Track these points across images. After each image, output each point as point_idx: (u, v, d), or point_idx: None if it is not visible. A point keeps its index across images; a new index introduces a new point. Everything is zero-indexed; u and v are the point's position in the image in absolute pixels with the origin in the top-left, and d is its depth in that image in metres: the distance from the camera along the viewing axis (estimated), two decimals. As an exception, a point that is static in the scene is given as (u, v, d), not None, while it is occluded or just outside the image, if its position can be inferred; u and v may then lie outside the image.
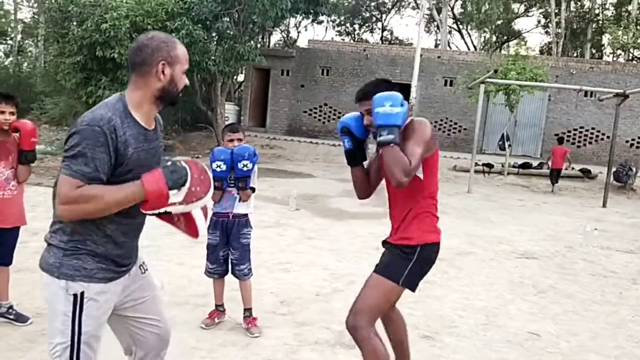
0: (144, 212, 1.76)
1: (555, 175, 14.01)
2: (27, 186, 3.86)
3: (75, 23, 12.26)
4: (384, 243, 2.71)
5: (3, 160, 3.45)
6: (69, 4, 12.88)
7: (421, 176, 2.52)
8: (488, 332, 4.03)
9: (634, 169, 15.03)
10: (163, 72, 1.81)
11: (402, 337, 2.88)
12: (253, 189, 3.64)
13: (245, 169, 3.47)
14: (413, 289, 2.58)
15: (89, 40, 11.86)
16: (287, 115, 21.67)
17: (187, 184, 1.73)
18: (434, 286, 5.11)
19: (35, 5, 20.32)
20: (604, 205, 12.06)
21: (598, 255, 6.96)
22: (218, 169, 3.48)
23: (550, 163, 14.14)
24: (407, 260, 2.52)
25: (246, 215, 3.69)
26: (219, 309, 3.81)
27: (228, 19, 14.36)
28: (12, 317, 3.55)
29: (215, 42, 15.10)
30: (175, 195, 1.71)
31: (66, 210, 1.67)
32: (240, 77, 25.19)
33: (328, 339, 3.71)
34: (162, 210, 1.73)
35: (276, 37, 33.83)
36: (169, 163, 1.74)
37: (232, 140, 3.58)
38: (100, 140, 1.69)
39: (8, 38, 30.22)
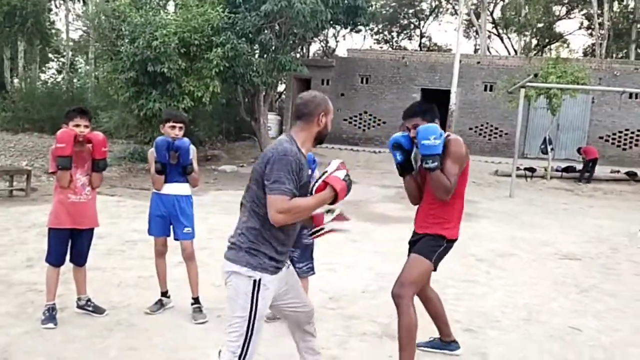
0: (314, 226, 2.66)
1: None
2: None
3: (127, 41, 12.89)
4: (414, 234, 3.42)
5: (80, 168, 3.84)
6: (121, 24, 13.56)
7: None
8: (530, 327, 4.20)
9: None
10: (322, 120, 2.52)
11: (439, 311, 3.54)
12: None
13: None
14: (435, 269, 3.24)
15: (140, 57, 12.44)
16: (327, 123, 21.96)
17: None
18: (477, 285, 5.28)
19: (88, 23, 21.25)
20: (652, 208, 11.86)
21: (643, 256, 6.95)
22: None
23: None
24: (438, 246, 3.20)
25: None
26: None
27: (270, 32, 14.82)
28: (90, 308, 3.95)
29: (258, 55, 15.58)
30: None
31: (282, 219, 2.33)
32: (281, 88, 25.71)
33: (375, 331, 3.96)
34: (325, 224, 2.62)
35: (315, 47, 34.32)
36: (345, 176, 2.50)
37: None
38: (293, 166, 2.36)
39: (60, 56, 31.73)
